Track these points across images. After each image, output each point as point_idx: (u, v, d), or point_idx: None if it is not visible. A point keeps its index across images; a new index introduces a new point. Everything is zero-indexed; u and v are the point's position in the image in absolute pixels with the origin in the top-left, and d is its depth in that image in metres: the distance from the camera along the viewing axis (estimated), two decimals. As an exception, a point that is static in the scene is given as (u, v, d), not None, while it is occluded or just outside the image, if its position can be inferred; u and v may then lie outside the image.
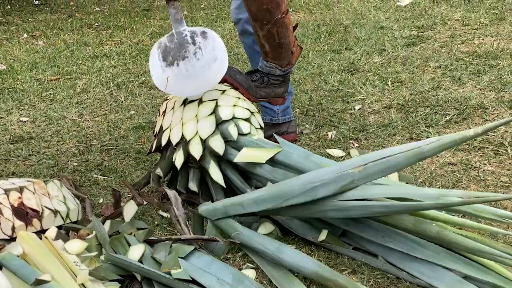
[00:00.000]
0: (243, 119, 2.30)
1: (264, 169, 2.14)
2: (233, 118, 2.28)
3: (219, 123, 2.26)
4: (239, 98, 2.38)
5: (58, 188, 2.22)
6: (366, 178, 1.81)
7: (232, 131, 2.24)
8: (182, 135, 2.27)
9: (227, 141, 2.25)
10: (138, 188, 2.42)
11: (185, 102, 2.36)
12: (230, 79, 2.45)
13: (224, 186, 2.23)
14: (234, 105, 2.32)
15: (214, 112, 2.29)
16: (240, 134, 2.26)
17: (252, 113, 2.37)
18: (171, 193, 2.18)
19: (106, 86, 3.91)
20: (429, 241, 1.83)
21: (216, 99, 2.33)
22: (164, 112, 2.43)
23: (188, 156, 2.26)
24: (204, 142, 2.25)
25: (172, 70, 2.30)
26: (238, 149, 2.22)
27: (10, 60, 4.67)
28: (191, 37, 2.31)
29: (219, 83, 2.38)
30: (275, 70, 2.49)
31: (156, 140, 2.41)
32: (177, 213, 2.11)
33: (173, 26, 2.33)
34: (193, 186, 2.28)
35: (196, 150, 2.24)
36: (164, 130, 2.36)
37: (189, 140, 2.25)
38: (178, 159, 2.27)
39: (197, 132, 2.26)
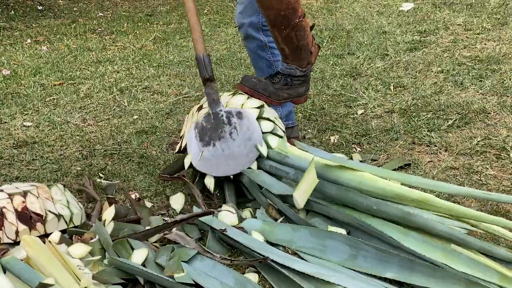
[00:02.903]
0: (270, 132, 2.41)
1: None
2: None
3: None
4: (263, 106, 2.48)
5: (61, 193, 2.23)
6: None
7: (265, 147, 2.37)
8: None
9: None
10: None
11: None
12: (250, 91, 2.52)
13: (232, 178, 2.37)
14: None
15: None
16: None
17: (273, 121, 2.44)
18: None
19: (109, 91, 3.92)
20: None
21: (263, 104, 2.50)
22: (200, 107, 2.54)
23: None
24: None
25: (208, 150, 2.38)
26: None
27: (14, 65, 4.69)
28: (227, 117, 2.40)
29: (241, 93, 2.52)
30: (295, 71, 2.54)
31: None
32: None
33: (209, 106, 2.42)
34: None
35: None
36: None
37: None
38: None
39: None
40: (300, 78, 2.56)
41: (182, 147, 2.51)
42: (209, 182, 2.38)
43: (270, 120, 2.43)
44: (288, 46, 2.47)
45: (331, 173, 2.13)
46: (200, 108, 2.52)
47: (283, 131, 2.48)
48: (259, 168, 2.36)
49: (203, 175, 2.43)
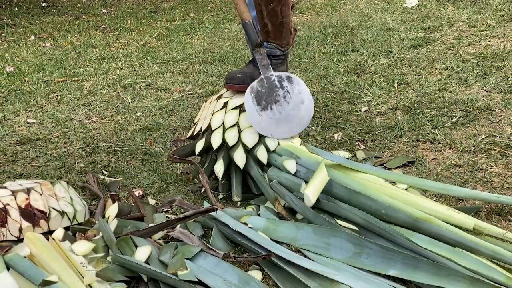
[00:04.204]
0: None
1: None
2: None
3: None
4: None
5: (65, 190, 2.23)
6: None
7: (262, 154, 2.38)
8: (223, 123, 2.46)
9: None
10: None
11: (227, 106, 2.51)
12: (240, 87, 2.53)
13: (241, 168, 2.37)
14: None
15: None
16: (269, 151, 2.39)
17: None
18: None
19: (113, 88, 3.92)
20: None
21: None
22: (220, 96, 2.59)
23: (223, 142, 2.42)
24: (240, 134, 2.41)
25: (267, 114, 2.41)
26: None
27: (17, 62, 4.69)
28: (278, 81, 2.44)
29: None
30: (275, 50, 2.57)
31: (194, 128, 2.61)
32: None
33: (261, 71, 2.46)
34: (219, 167, 2.42)
35: (231, 138, 2.40)
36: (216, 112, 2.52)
37: (227, 128, 2.44)
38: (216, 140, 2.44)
39: (237, 122, 2.44)
40: (280, 57, 2.59)
41: (195, 133, 2.54)
42: (219, 169, 2.40)
43: None
44: (272, 21, 2.48)
45: (341, 179, 2.12)
46: (219, 97, 2.54)
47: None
48: (268, 163, 2.37)
49: (212, 162, 2.45)
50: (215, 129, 2.44)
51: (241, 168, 2.36)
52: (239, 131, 2.41)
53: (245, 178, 2.45)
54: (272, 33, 2.52)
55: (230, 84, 2.54)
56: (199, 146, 2.48)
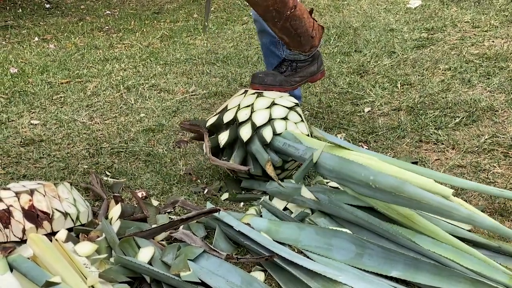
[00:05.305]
0: (279, 118, 2.45)
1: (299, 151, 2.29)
2: (270, 119, 2.44)
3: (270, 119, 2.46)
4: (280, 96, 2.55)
5: (68, 191, 2.24)
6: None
7: (267, 133, 2.41)
8: (239, 104, 2.52)
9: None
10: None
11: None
12: (261, 87, 2.59)
13: (244, 141, 2.41)
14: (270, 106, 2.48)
15: (270, 107, 2.47)
16: (276, 134, 2.42)
17: (290, 108, 2.49)
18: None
19: (116, 89, 3.93)
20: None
21: (274, 99, 2.51)
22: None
23: (234, 119, 2.49)
24: (251, 114, 2.45)
25: None
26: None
27: (21, 63, 4.70)
28: None
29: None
30: (299, 56, 2.60)
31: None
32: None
33: None
34: (236, 158, 2.47)
35: (242, 115, 2.46)
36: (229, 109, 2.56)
37: (242, 108, 2.50)
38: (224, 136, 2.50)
39: (252, 104, 2.49)
40: (307, 60, 2.61)
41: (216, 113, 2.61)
42: (223, 138, 2.47)
43: (299, 115, 2.51)
44: (286, 35, 2.50)
45: (334, 153, 2.14)
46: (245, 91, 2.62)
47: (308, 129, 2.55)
48: (271, 144, 2.40)
49: (218, 133, 2.53)
50: (230, 109, 2.52)
51: (244, 141, 2.41)
52: (252, 111, 2.45)
53: (245, 161, 2.50)
54: (291, 44, 2.57)
55: (252, 83, 2.62)
56: (211, 121, 2.55)
